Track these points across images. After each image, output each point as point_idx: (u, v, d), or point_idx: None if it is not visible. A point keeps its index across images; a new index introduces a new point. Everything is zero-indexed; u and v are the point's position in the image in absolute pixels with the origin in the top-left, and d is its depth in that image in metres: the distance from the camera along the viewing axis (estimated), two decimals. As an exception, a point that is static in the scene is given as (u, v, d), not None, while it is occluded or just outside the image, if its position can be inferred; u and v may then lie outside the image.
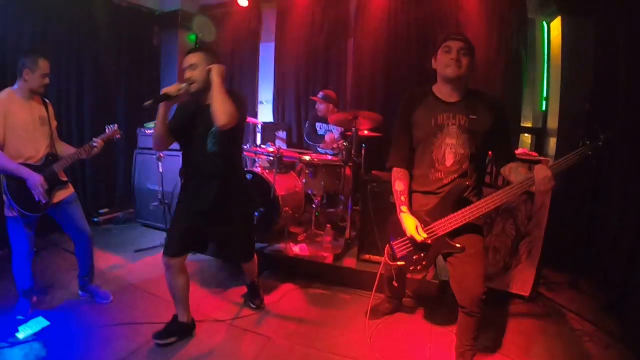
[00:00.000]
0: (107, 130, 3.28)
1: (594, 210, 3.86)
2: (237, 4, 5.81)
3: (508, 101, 4.79)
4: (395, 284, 2.91)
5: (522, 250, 3.50)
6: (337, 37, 5.67)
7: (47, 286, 3.51)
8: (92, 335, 2.88)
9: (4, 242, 3.23)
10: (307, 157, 4.30)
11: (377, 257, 3.68)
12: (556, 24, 4.49)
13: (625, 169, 3.46)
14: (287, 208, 4.27)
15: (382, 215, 3.45)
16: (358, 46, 5.58)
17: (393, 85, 5.32)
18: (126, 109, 5.79)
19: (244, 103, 2.73)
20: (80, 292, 3.39)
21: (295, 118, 6.02)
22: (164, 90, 2.53)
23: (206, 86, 2.55)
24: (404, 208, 2.45)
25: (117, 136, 3.35)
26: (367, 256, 3.82)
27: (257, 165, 4.80)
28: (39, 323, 2.95)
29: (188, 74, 2.57)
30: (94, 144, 3.16)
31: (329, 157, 4.40)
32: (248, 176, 4.30)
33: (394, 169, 2.58)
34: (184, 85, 2.57)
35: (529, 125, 4.95)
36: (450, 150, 2.40)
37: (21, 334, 2.82)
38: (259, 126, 5.84)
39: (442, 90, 2.47)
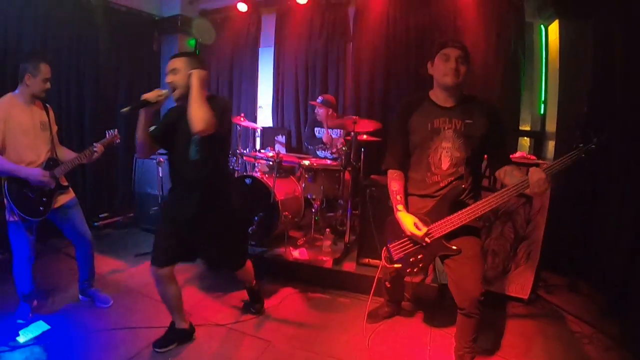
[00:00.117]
0: (107, 135, 3.33)
1: (593, 213, 3.88)
2: (237, 9, 5.86)
3: (506, 105, 4.84)
4: (388, 285, 2.97)
5: (521, 253, 3.53)
6: (336, 42, 5.72)
7: (48, 290, 3.53)
8: (92, 339, 2.91)
9: (4, 247, 3.25)
10: (306, 162, 4.34)
11: (377, 261, 3.69)
12: (554, 28, 4.53)
13: (624, 172, 3.49)
14: (286, 213, 4.31)
15: (381, 219, 3.46)
16: (357, 51, 5.63)
17: (392, 90, 5.37)
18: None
19: (226, 109, 2.65)
20: (80, 296, 3.43)
21: (294, 123, 6.06)
22: (143, 97, 2.47)
23: (188, 92, 2.47)
24: (401, 207, 2.50)
25: (117, 141, 3.39)
26: (366, 260, 3.86)
27: (256, 170, 4.83)
28: (39, 327, 2.97)
29: (169, 79, 2.54)
30: (95, 149, 3.20)
31: (328, 161, 4.44)
32: (247, 181, 4.34)
33: (389, 170, 2.64)
34: (164, 91, 2.52)
35: (528, 128, 4.98)
36: (446, 154, 2.45)
37: (22, 338, 2.85)
38: (259, 131, 5.88)
39: (438, 96, 2.53)
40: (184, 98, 2.47)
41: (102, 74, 5.51)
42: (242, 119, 4.80)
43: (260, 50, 6.36)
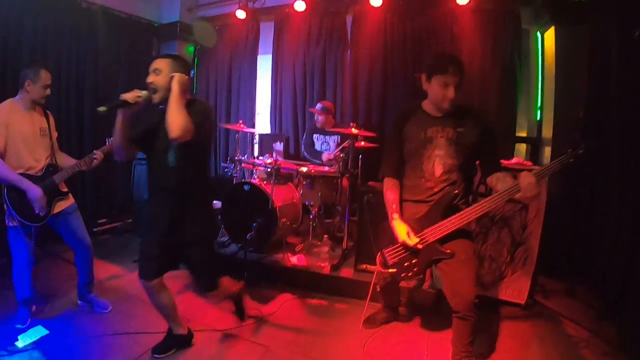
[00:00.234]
0: (107, 143, 3.37)
1: (589, 217, 3.94)
2: (235, 16, 5.90)
3: (503, 111, 4.92)
4: (379, 289, 3.04)
5: (518, 258, 3.58)
6: (334, 49, 5.78)
7: (47, 295, 3.56)
8: (91, 344, 2.94)
9: (3, 252, 3.27)
10: (304, 169, 4.39)
11: (374, 267, 3.71)
12: (550, 34, 4.61)
13: (620, 177, 3.55)
14: (284, 219, 4.36)
15: (378, 225, 3.52)
16: (354, 58, 5.69)
17: (389, 97, 5.43)
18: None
19: (206, 116, 2.57)
20: (79, 302, 3.46)
21: (292, 129, 6.10)
22: (121, 96, 2.41)
23: (169, 95, 2.43)
24: (396, 215, 2.58)
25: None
26: (364, 266, 3.90)
27: (255, 176, 4.87)
28: (38, 332, 3.00)
29: (151, 79, 2.49)
30: (94, 156, 3.25)
31: (326, 168, 4.49)
32: (245, 187, 4.39)
33: (386, 179, 2.73)
34: (144, 92, 2.46)
35: (524, 134, 5.06)
36: (439, 161, 2.55)
37: (20, 343, 2.87)
38: (257, 137, 5.93)
39: (431, 107, 2.63)
40: (165, 101, 2.42)
41: (102, 80, 5.55)
42: (241, 125, 4.84)
43: (259, 57, 6.42)
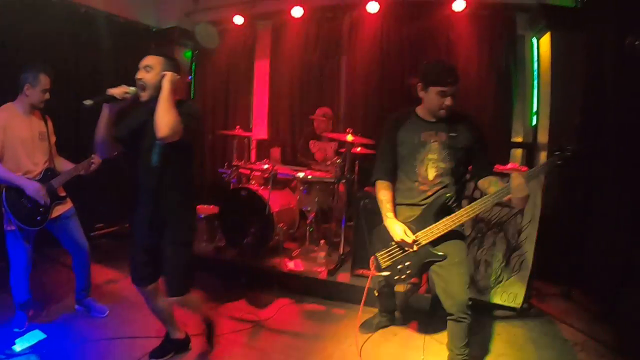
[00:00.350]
0: None
1: (585, 221, 4.01)
2: (233, 21, 5.97)
3: (499, 116, 5.02)
4: (377, 293, 3.11)
5: (514, 262, 3.64)
6: (331, 55, 5.86)
7: (44, 300, 3.58)
8: (88, 349, 2.97)
9: (1, 256, 3.30)
10: (301, 174, 4.44)
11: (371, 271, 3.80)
12: (545, 40, 4.68)
13: (616, 181, 3.64)
14: (281, 224, 4.42)
15: (372, 230, 3.57)
16: (351, 63, 5.78)
17: (386, 102, 5.48)
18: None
19: (195, 117, 2.51)
20: (76, 306, 3.49)
21: (289, 135, 6.15)
22: (108, 91, 2.38)
23: (158, 93, 2.38)
24: (390, 214, 2.65)
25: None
26: (360, 271, 3.94)
27: (252, 181, 4.91)
28: (35, 336, 3.04)
29: (140, 75, 2.44)
30: (92, 161, 3.28)
31: (323, 173, 4.54)
32: (242, 192, 4.44)
33: (378, 181, 2.79)
34: (132, 88, 2.43)
35: (520, 140, 5.12)
36: (432, 165, 2.63)
37: (18, 347, 2.90)
38: (254, 142, 5.97)
39: (425, 112, 2.71)
40: (153, 100, 2.37)
41: (100, 85, 5.55)
42: (238, 129, 4.88)
43: (256, 62, 6.48)
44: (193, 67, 6.80)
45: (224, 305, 3.75)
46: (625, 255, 3.33)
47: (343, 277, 4.06)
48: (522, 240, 3.60)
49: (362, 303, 2.92)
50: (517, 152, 5.16)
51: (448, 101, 2.54)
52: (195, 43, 6.53)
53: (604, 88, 3.82)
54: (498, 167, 3.69)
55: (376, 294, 3.12)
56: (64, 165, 3.32)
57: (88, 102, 2.31)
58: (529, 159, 4.95)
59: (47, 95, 3.12)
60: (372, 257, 2.76)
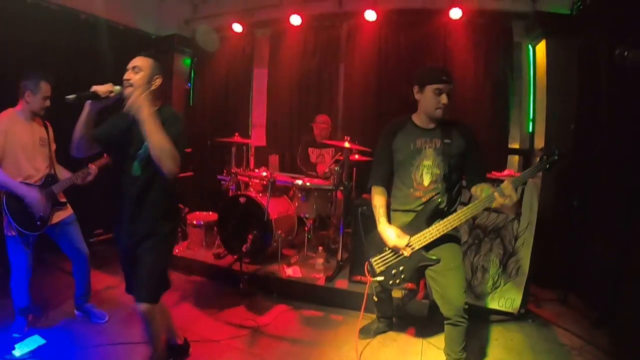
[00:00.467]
0: (103, 156, 3.44)
1: (581, 226, 4.06)
2: (232, 29, 6.03)
3: (495, 123, 5.09)
4: (376, 299, 3.16)
5: (510, 268, 3.69)
6: (329, 62, 5.93)
7: (44, 305, 3.62)
8: (88, 354, 3.02)
9: (1, 261, 3.33)
10: (299, 182, 4.51)
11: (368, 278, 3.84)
12: (541, 47, 4.75)
13: (611, 186, 3.70)
14: (280, 231, 4.47)
15: (367, 235, 3.60)
16: (349, 71, 5.85)
17: (383, 109, 5.53)
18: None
19: (182, 129, 2.45)
20: (76, 312, 3.53)
21: (287, 142, 6.20)
22: (93, 88, 2.33)
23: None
24: (383, 220, 2.71)
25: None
26: (358, 277, 3.99)
27: (250, 189, 4.95)
28: (35, 341, 3.07)
29: (128, 76, 2.39)
30: (89, 171, 3.35)
31: (321, 181, 4.61)
32: (241, 200, 4.49)
33: (373, 187, 2.86)
34: (117, 88, 2.37)
35: (517, 146, 5.18)
36: (427, 171, 2.69)
37: (17, 352, 2.94)
38: (252, 150, 6.02)
39: (421, 119, 2.78)
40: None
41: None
42: (236, 136, 4.93)
43: (254, 70, 6.55)
44: (192, 74, 6.85)
45: (222, 311, 3.79)
46: (621, 260, 3.37)
47: (341, 283, 4.11)
48: (519, 246, 3.66)
49: (362, 309, 2.97)
50: (514, 159, 5.23)
51: (444, 99, 2.60)
52: (194, 50, 6.60)
53: (599, 94, 3.89)
54: (495, 174, 3.76)
55: (375, 300, 3.17)
56: (62, 174, 3.37)
57: (71, 97, 2.28)
58: (526, 165, 5.00)
59: (47, 102, 3.16)
60: (367, 262, 2.81)
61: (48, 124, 3.36)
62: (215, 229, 4.87)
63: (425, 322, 3.56)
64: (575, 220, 4.08)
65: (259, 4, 5.95)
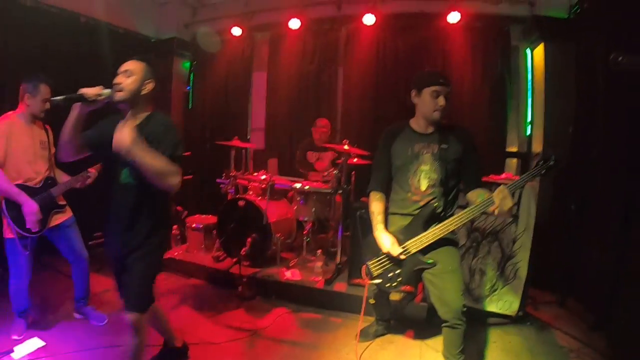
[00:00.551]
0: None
1: (579, 229, 4.09)
2: (231, 32, 6.06)
3: (493, 126, 5.13)
4: (372, 302, 3.17)
5: (508, 271, 3.71)
6: (328, 66, 5.97)
7: (43, 307, 3.64)
8: (87, 356, 3.02)
9: (0, 263, 3.36)
10: (298, 185, 4.54)
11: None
12: (539, 51, 4.78)
13: (608, 189, 3.73)
14: (279, 234, 4.51)
15: (364, 239, 3.62)
16: (347, 74, 5.88)
17: (382, 113, 5.55)
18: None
19: (180, 140, 2.39)
20: (75, 314, 3.55)
21: (286, 145, 6.22)
22: (81, 90, 2.26)
23: (134, 102, 2.35)
24: (380, 226, 2.73)
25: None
26: (357, 280, 4.01)
27: (249, 192, 4.97)
28: (34, 344, 3.08)
29: (119, 80, 2.34)
30: (88, 175, 3.36)
31: (320, 184, 4.63)
32: (240, 203, 4.50)
33: (372, 192, 2.89)
34: (106, 91, 2.30)
35: (515, 149, 5.22)
36: (425, 176, 2.72)
37: (17, 354, 2.94)
38: (251, 153, 6.03)
39: (419, 124, 2.81)
40: (126, 109, 2.34)
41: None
42: (235, 140, 4.95)
43: (253, 73, 6.58)
44: (191, 77, 6.88)
45: (221, 314, 3.81)
46: (618, 263, 3.39)
47: (340, 286, 4.13)
48: (517, 249, 3.68)
49: (362, 312, 2.99)
50: (512, 162, 5.26)
51: (441, 101, 2.63)
52: (193, 54, 6.62)
53: (596, 97, 3.92)
54: (493, 177, 3.79)
55: (372, 302, 3.19)
56: (62, 177, 3.38)
57: (58, 99, 2.22)
58: (524, 169, 5.03)
59: (47, 105, 3.15)
60: (364, 265, 2.83)
61: (48, 127, 3.37)
62: (215, 232, 4.89)
63: (424, 325, 3.59)
64: (573, 224, 4.12)
65: (258, 8, 5.97)
